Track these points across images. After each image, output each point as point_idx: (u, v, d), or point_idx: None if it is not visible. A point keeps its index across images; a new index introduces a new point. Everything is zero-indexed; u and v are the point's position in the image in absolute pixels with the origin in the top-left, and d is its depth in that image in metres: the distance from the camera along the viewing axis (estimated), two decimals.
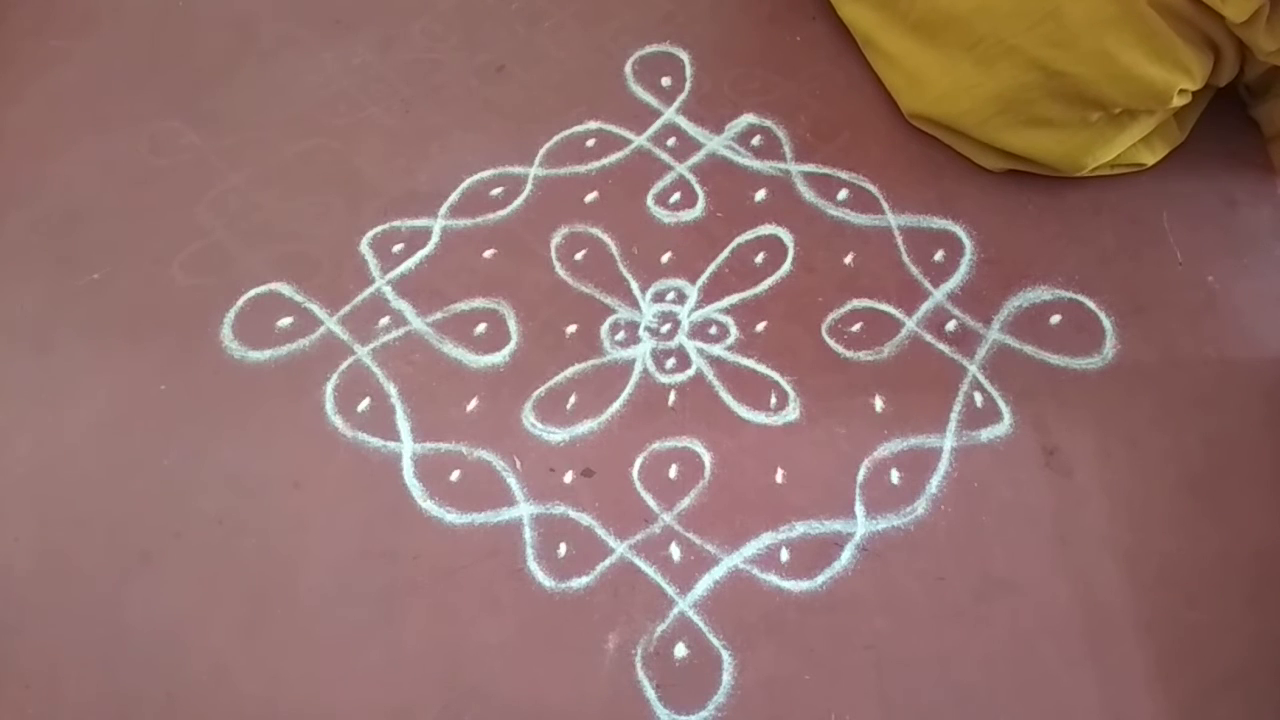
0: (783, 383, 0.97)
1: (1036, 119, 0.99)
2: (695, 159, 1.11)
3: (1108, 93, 0.94)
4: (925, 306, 1.00)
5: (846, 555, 0.89)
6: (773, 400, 0.96)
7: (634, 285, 1.03)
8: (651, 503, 0.91)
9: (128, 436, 0.96)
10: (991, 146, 1.05)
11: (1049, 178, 1.06)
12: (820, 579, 0.88)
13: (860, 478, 0.92)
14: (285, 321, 1.02)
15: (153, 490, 0.93)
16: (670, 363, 0.99)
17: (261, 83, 1.19)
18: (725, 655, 0.85)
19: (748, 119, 1.13)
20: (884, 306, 1.01)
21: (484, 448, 0.94)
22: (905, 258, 1.03)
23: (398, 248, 1.06)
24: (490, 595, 0.88)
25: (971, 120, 1.02)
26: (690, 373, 0.98)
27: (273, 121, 1.15)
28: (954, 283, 1.02)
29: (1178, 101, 0.96)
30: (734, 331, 1.00)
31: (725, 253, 1.05)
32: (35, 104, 1.19)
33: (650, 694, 0.83)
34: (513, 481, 0.93)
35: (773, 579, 0.88)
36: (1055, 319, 0.99)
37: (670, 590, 0.87)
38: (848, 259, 1.04)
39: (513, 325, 1.01)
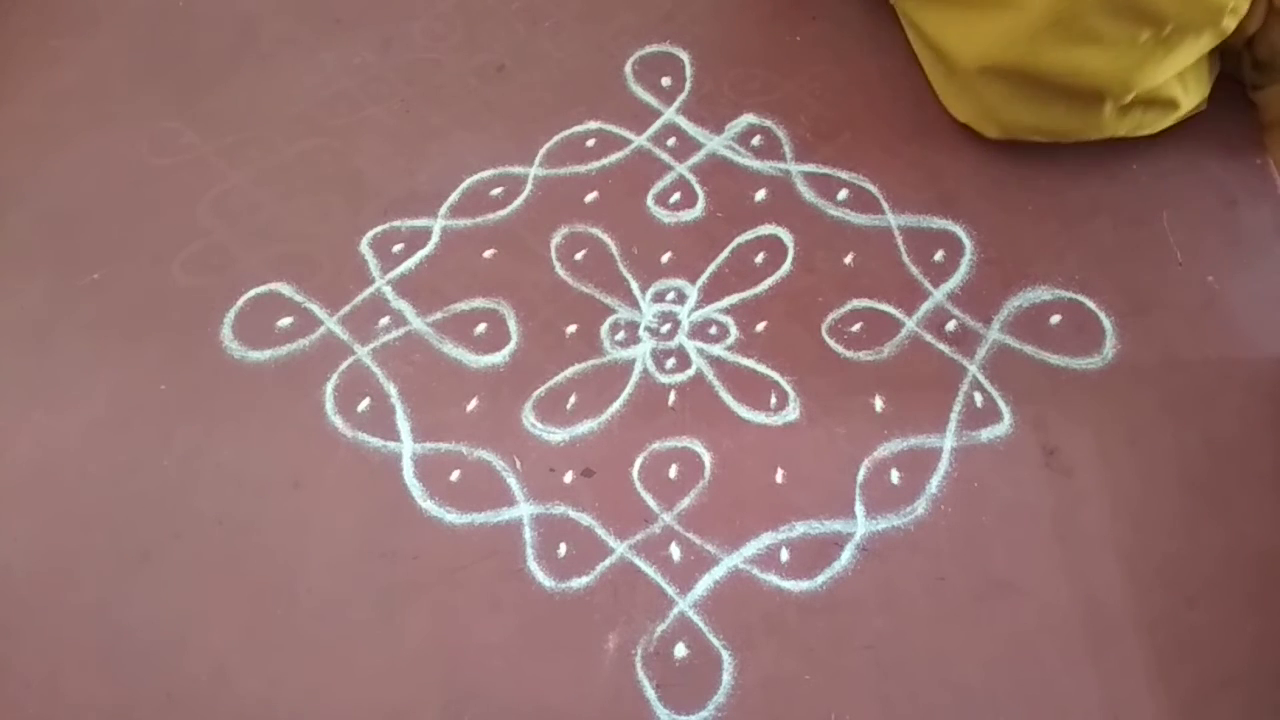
0: (783, 383, 0.97)
1: (1088, 34, 0.98)
2: (695, 159, 1.11)
3: (1163, 6, 0.95)
4: (925, 306, 1.00)
5: (846, 555, 0.88)
6: (773, 400, 0.96)
7: (634, 285, 1.03)
8: (651, 503, 0.91)
9: (128, 436, 0.96)
10: (1028, 107, 1.04)
11: (1049, 178, 1.06)
12: (820, 579, 0.88)
13: (860, 478, 0.92)
14: (285, 321, 1.02)
15: (153, 490, 0.93)
16: (670, 363, 0.99)
17: (261, 83, 1.19)
18: (725, 655, 0.85)
19: (748, 119, 1.13)
20: (884, 306, 1.01)
21: (484, 448, 0.94)
22: (905, 258, 1.03)
23: (398, 248, 1.06)
24: (490, 595, 0.88)
25: (1023, 34, 1.00)
26: (690, 373, 0.98)
27: (273, 121, 1.15)
28: (954, 283, 1.02)
29: (1228, 23, 0.97)
30: (734, 331, 1.00)
31: (725, 253, 1.05)
32: (35, 103, 1.19)
33: (650, 694, 0.83)
34: (513, 481, 0.93)
35: (773, 579, 0.88)
36: (1055, 319, 0.99)
37: (670, 590, 0.87)
38: (848, 259, 1.04)
39: (513, 325, 1.01)
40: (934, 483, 0.91)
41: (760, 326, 1.00)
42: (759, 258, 1.04)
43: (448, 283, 1.04)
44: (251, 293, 1.04)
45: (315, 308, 1.03)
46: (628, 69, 1.17)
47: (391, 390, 0.98)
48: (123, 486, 0.94)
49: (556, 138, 1.13)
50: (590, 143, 1.12)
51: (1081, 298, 1.00)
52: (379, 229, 1.07)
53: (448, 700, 0.84)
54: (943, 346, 0.98)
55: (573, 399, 0.97)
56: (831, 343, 0.99)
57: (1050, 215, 1.05)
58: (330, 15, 1.24)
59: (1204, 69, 1.05)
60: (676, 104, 1.14)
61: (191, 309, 1.03)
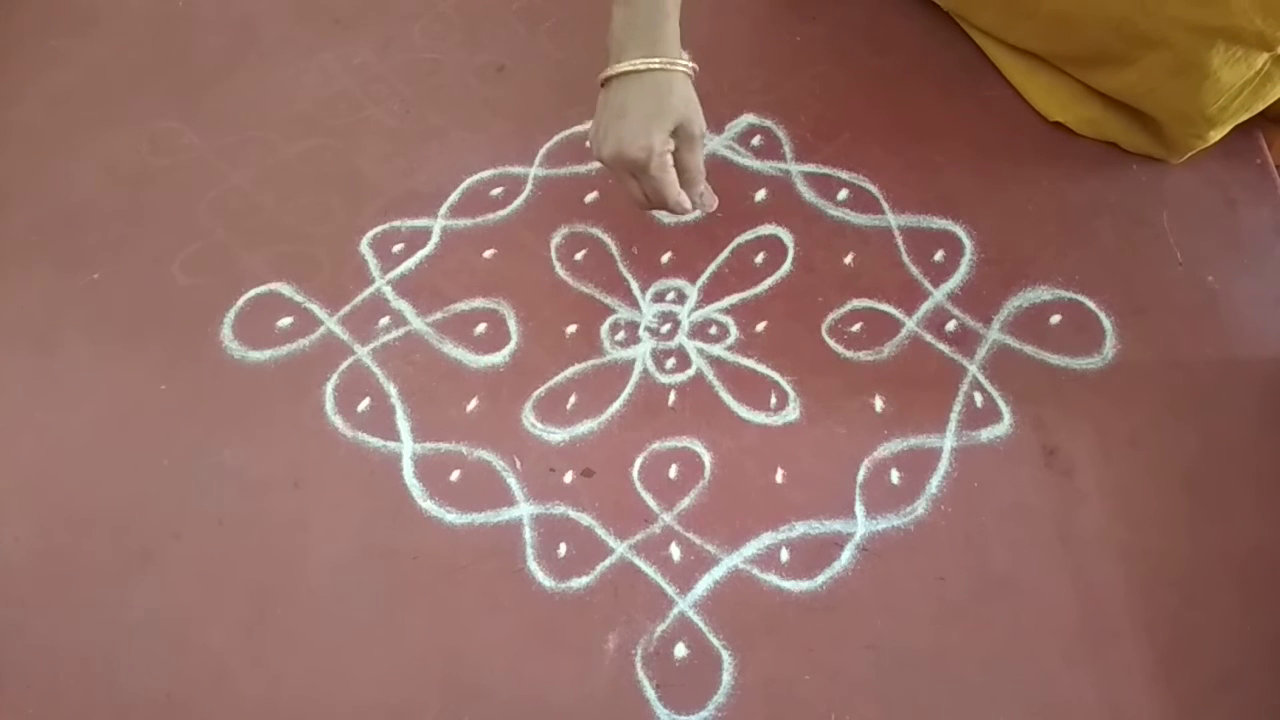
0: (783, 383, 0.97)
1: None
2: None
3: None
4: (925, 306, 1.00)
5: (846, 555, 0.89)
6: (773, 400, 0.96)
7: (634, 285, 1.03)
8: (651, 503, 0.91)
9: (128, 436, 0.96)
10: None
11: (1049, 178, 1.06)
12: (820, 579, 0.88)
13: (860, 478, 0.92)
14: (285, 321, 1.02)
15: (153, 490, 0.93)
16: (670, 363, 0.99)
17: (261, 83, 1.19)
18: (725, 655, 0.85)
19: (748, 119, 1.13)
20: (884, 306, 1.01)
21: (484, 448, 0.94)
22: (905, 258, 1.03)
23: (398, 248, 1.06)
24: (490, 595, 0.88)
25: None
26: (690, 373, 0.98)
27: (273, 121, 1.15)
28: (954, 283, 1.02)
29: None
30: (734, 331, 1.00)
31: (725, 253, 1.05)
32: (35, 104, 1.19)
33: (650, 694, 0.83)
34: (513, 481, 0.93)
35: (773, 579, 0.88)
36: (1055, 319, 0.99)
37: (670, 590, 0.87)
38: (848, 259, 1.04)
39: (513, 325, 1.01)
40: (934, 483, 0.91)
41: (760, 326, 1.00)
42: (759, 258, 1.04)
43: (448, 283, 1.04)
44: (251, 293, 1.04)
45: (315, 308, 1.03)
46: None
47: (391, 390, 0.98)
48: (123, 486, 0.94)
49: (556, 138, 1.13)
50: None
51: (1081, 298, 1.00)
52: (379, 229, 1.07)
53: (448, 700, 0.84)
54: (943, 346, 0.98)
55: (573, 399, 0.97)
56: (831, 343, 0.99)
57: (1050, 215, 1.05)
58: (330, 15, 1.24)
59: None
60: None
61: (191, 309, 1.03)
